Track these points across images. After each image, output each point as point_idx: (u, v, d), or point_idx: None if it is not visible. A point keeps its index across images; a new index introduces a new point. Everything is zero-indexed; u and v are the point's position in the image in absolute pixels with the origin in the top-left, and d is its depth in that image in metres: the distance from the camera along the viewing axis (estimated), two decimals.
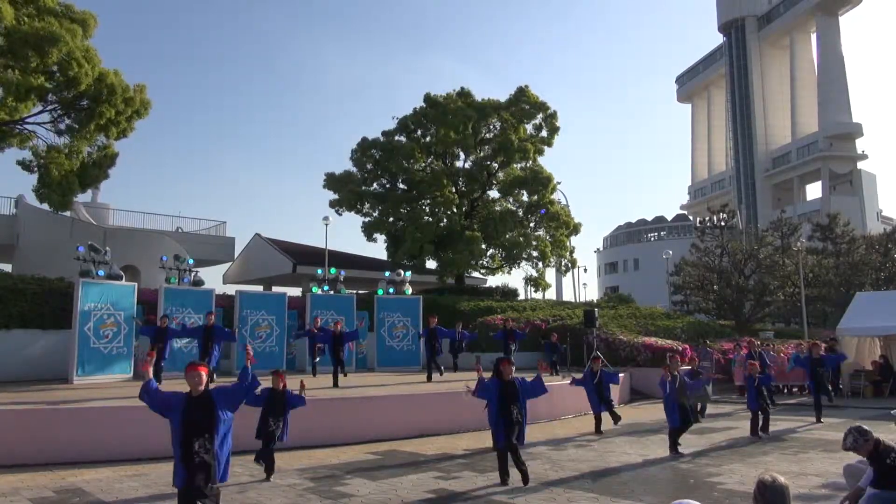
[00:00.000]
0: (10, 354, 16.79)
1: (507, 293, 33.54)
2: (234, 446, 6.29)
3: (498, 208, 33.13)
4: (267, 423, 8.70)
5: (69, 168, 20.41)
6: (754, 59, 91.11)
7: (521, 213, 32.46)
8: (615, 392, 16.18)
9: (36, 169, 20.65)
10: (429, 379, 16.66)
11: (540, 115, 32.98)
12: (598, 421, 13.54)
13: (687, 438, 11.51)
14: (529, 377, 9.21)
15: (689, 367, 14.94)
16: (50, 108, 20.50)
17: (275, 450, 8.87)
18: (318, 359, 17.37)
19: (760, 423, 12.78)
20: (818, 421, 14.51)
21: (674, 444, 10.87)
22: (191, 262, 19.32)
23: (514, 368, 9.03)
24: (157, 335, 14.78)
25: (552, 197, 32.62)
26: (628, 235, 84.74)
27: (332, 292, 21.61)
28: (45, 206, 22.67)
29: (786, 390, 21.35)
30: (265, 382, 7.83)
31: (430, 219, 31.02)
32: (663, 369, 11.33)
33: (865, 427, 5.82)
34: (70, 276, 18.15)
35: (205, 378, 6.05)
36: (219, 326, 15.46)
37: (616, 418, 13.75)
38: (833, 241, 40.73)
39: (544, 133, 33.44)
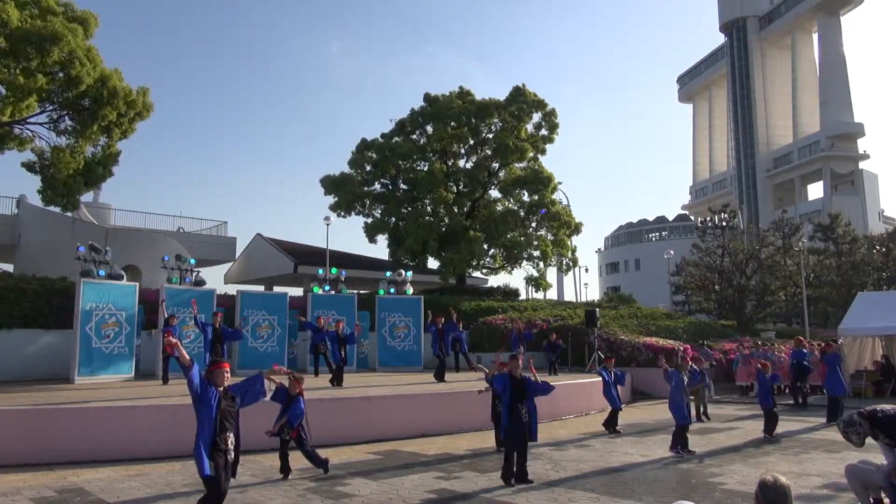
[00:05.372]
0: (11, 354, 16.83)
1: (509, 293, 33.55)
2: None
3: (499, 208, 33.14)
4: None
5: (74, 167, 20.45)
6: (756, 59, 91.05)
7: (522, 213, 32.47)
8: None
9: (40, 170, 20.68)
10: (439, 379, 16.60)
11: (539, 114, 33.01)
12: (615, 417, 13.51)
13: (688, 438, 11.48)
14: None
15: (695, 367, 14.95)
16: (51, 108, 20.53)
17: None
18: (328, 350, 16.36)
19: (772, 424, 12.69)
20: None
21: (676, 443, 10.84)
22: (192, 262, 19.34)
23: (520, 365, 9.02)
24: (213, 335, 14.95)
25: (553, 197, 32.64)
26: (629, 235, 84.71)
27: (333, 292, 21.61)
28: (48, 207, 22.71)
29: (787, 390, 21.30)
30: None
31: (432, 218, 31.05)
32: (679, 361, 11.51)
33: (851, 417, 5.89)
34: (72, 275, 18.17)
35: (228, 375, 6.31)
36: (225, 327, 15.50)
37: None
38: (834, 241, 40.71)
39: (544, 131, 33.46)
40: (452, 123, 31.33)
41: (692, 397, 13.05)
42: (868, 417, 5.84)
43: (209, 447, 5.87)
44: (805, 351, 18.95)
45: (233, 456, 6.11)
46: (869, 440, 5.98)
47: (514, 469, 8.55)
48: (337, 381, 15.21)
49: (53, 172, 20.12)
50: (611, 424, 13.37)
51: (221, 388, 6.15)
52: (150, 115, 21.77)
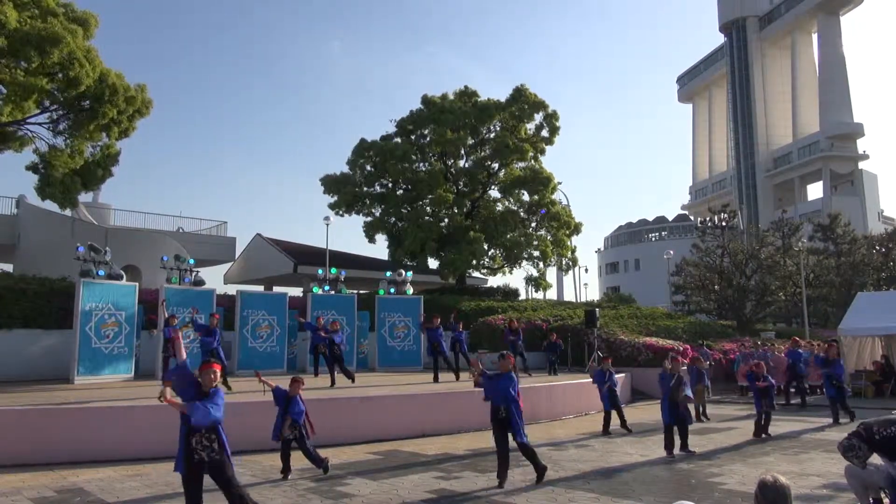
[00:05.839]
0: (11, 354, 16.83)
1: (509, 293, 33.56)
2: (234, 446, 6.33)
3: (499, 208, 33.15)
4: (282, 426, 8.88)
5: (72, 167, 20.42)
6: (755, 59, 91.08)
7: (522, 213, 32.48)
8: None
9: (42, 169, 20.68)
10: (435, 379, 16.60)
11: (540, 115, 33.02)
12: (609, 420, 13.51)
13: (688, 438, 11.48)
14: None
15: (695, 366, 14.92)
16: (51, 108, 20.52)
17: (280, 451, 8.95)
18: (325, 350, 16.21)
19: (763, 423, 12.73)
20: (836, 423, 14.45)
21: (669, 444, 10.81)
22: (192, 262, 19.32)
23: (508, 364, 8.88)
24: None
25: (553, 197, 32.66)
26: (629, 236, 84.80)
27: (332, 292, 21.60)
28: (47, 206, 22.70)
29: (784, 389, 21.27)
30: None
31: (431, 219, 31.05)
32: (667, 363, 11.43)
33: (850, 442, 5.87)
34: (71, 276, 18.17)
35: (219, 376, 6.35)
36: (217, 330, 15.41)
37: (624, 421, 13.67)
38: (834, 241, 40.74)
39: (545, 133, 33.48)
40: (452, 126, 31.30)
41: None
42: (866, 440, 5.88)
43: (182, 448, 6.00)
44: (801, 351, 18.93)
45: (205, 456, 5.98)
46: None
47: (506, 467, 8.55)
48: (349, 379, 15.23)
49: (51, 171, 20.10)
50: (608, 427, 13.34)
51: (208, 389, 6.10)
52: (149, 111, 21.72)
